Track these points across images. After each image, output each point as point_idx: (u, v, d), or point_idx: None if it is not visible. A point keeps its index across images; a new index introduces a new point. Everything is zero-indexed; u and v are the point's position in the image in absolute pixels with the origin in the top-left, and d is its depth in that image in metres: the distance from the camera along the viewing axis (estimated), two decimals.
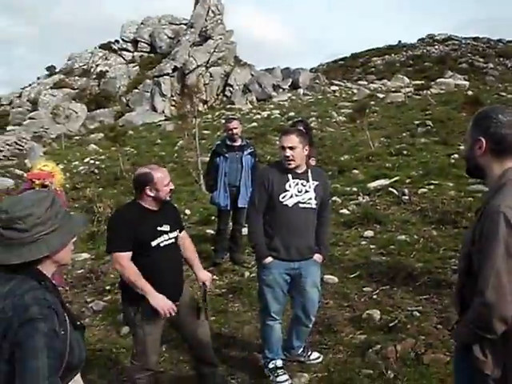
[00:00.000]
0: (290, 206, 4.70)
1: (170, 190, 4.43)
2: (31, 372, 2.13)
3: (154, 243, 4.29)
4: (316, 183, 4.84)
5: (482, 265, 2.44)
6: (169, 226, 4.43)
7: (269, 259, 4.75)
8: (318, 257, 4.98)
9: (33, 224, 2.34)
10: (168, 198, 4.45)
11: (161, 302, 4.16)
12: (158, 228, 4.34)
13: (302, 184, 4.75)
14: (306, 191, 4.76)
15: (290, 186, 4.70)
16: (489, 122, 2.59)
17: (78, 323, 2.54)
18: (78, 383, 2.56)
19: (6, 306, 2.27)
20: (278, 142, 5.21)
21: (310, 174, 4.85)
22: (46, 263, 2.43)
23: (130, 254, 4.25)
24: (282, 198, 4.68)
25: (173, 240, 4.47)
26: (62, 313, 2.39)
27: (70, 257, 2.61)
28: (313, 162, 7.76)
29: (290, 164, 4.68)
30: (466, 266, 2.63)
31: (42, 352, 2.16)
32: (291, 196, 4.70)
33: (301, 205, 4.73)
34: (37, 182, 7.23)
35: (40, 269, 2.42)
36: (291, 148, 4.63)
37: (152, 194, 4.30)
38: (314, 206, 4.82)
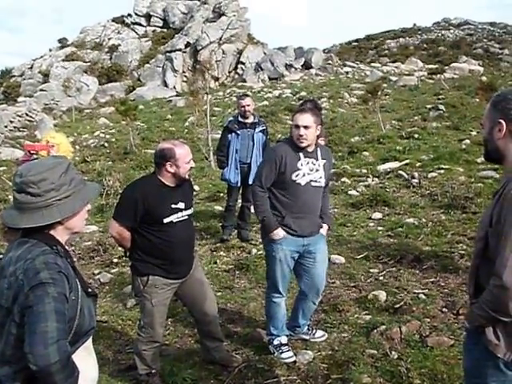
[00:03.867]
0: (303, 184, 4.68)
1: (190, 168, 4.41)
2: (39, 335, 2.16)
3: (166, 220, 4.30)
4: (324, 161, 4.85)
5: (500, 247, 2.41)
6: (184, 204, 4.42)
7: (279, 232, 4.70)
8: (324, 229, 5.04)
9: (46, 189, 2.35)
10: (187, 177, 4.44)
11: None
12: (173, 206, 4.33)
13: (312, 163, 4.75)
14: (317, 170, 4.76)
15: (301, 165, 4.68)
16: (509, 105, 2.55)
17: (90, 290, 2.56)
18: (88, 349, 2.58)
19: (18, 270, 2.30)
20: (290, 121, 5.17)
21: (319, 153, 4.84)
22: (58, 229, 2.45)
23: (128, 231, 4.38)
24: (295, 176, 4.66)
25: (186, 217, 4.47)
26: (74, 279, 2.41)
27: (82, 224, 2.62)
28: (322, 141, 7.74)
29: (302, 143, 4.65)
30: (482, 248, 2.61)
31: (51, 315, 2.18)
32: (304, 175, 4.68)
33: (312, 183, 4.73)
34: (39, 153, 7.21)
35: (53, 234, 2.43)
36: (306, 127, 4.61)
37: (172, 171, 4.28)
38: (323, 184, 4.85)
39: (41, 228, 2.39)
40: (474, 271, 2.72)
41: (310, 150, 4.77)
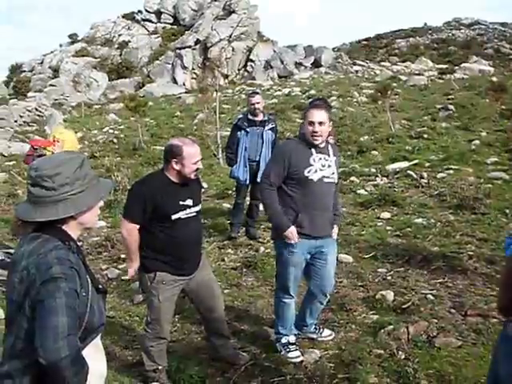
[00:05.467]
0: (316, 180, 4.64)
1: (197, 169, 4.35)
2: (50, 329, 2.15)
3: (174, 217, 4.28)
4: (335, 158, 4.82)
5: None
6: (192, 201, 4.39)
7: (292, 230, 4.61)
8: (335, 231, 4.98)
9: (61, 183, 2.35)
10: (193, 177, 4.38)
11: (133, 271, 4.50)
12: (181, 202, 4.31)
13: (324, 159, 4.71)
14: (329, 166, 4.72)
15: (314, 161, 4.65)
16: None
17: (101, 287, 2.56)
18: (97, 346, 2.58)
19: (30, 264, 2.30)
20: (299, 119, 5.12)
21: (330, 149, 4.82)
22: (71, 224, 2.44)
23: (137, 226, 4.33)
24: (308, 172, 4.62)
25: (194, 213, 4.45)
26: (85, 275, 2.41)
27: (95, 220, 2.62)
28: (331, 140, 7.73)
29: (316, 140, 4.62)
30: None
31: (62, 310, 2.18)
32: (316, 171, 4.64)
33: (325, 179, 4.68)
34: (47, 148, 7.26)
35: (65, 229, 2.44)
36: (321, 123, 4.58)
37: (177, 168, 4.26)
38: (335, 181, 4.81)
39: (54, 223, 2.39)
40: None
41: (321, 145, 4.74)
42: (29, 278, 2.28)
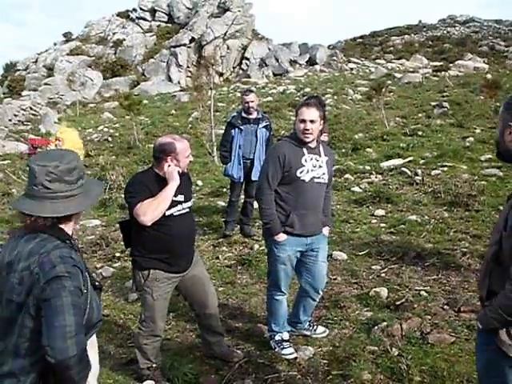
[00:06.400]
0: (307, 181, 4.66)
1: (189, 161, 4.41)
2: (58, 328, 2.16)
3: (167, 213, 4.29)
4: (327, 158, 4.83)
5: None
6: (183, 197, 4.42)
7: (282, 236, 4.72)
8: (326, 230, 5.00)
9: (78, 177, 2.36)
10: (186, 171, 4.43)
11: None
12: (173, 198, 4.33)
13: (315, 159, 4.72)
14: (320, 166, 4.73)
15: (305, 161, 4.66)
16: None
17: (97, 283, 2.56)
18: (92, 343, 2.59)
19: (32, 264, 2.28)
20: (294, 116, 5.11)
21: (321, 149, 4.82)
22: (69, 223, 2.44)
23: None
24: (300, 172, 4.64)
25: (187, 210, 4.47)
26: (85, 272, 2.41)
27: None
28: (325, 137, 7.72)
29: (308, 137, 4.63)
30: (496, 252, 2.59)
31: (69, 309, 2.19)
32: (307, 171, 4.66)
33: (316, 180, 4.71)
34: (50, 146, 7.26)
35: (63, 228, 2.43)
36: (312, 121, 4.59)
37: (173, 164, 4.29)
38: (326, 181, 4.82)
39: (56, 220, 2.38)
40: (487, 274, 2.68)
41: (312, 146, 4.74)
42: (31, 278, 2.27)
